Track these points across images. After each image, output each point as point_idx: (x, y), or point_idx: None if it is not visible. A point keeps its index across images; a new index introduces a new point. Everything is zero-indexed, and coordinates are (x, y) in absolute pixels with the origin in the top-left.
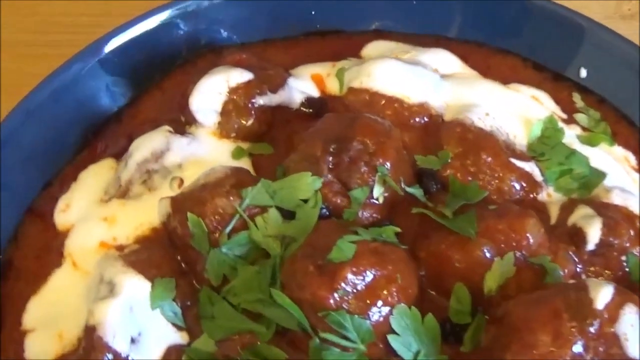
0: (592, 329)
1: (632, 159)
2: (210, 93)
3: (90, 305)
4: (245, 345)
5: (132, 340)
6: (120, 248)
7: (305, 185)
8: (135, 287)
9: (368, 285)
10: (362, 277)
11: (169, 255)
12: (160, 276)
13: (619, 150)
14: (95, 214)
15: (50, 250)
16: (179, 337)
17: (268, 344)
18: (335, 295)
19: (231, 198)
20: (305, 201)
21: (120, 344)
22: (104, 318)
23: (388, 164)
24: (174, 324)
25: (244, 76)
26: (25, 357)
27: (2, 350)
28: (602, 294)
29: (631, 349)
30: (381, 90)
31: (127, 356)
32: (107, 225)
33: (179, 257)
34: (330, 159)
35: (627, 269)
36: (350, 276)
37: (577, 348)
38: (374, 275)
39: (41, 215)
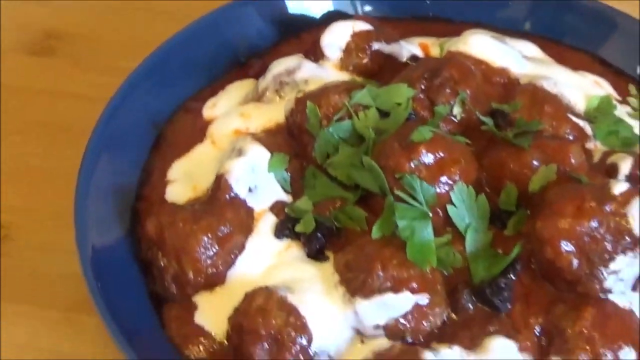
0: (607, 208)
1: None
2: (339, 33)
3: (221, 163)
4: (336, 207)
5: (250, 190)
6: (251, 135)
7: (401, 92)
8: (258, 153)
9: (437, 162)
10: (433, 155)
11: (287, 142)
12: (278, 152)
13: None
14: (235, 111)
15: (195, 132)
16: (285, 197)
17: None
18: (411, 164)
19: (342, 96)
20: (399, 105)
21: (240, 189)
22: (231, 168)
23: (468, 91)
24: (283, 188)
25: (367, 26)
26: (166, 197)
27: (148, 190)
28: (619, 185)
29: (636, 228)
30: (473, 54)
31: (244, 200)
32: (243, 119)
33: (294, 145)
34: (424, 81)
35: None
36: (424, 151)
37: (594, 221)
38: (443, 155)
39: (192, 110)
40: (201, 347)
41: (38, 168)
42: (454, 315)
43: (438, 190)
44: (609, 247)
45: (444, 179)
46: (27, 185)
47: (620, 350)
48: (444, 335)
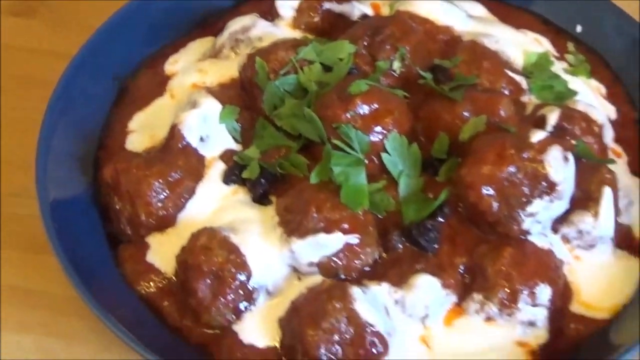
0: (524, 155)
1: (603, 90)
2: None
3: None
4: (281, 155)
5: (201, 139)
6: (206, 89)
7: (344, 48)
8: (211, 105)
9: (372, 113)
10: (368, 107)
11: (239, 95)
12: (230, 104)
13: (593, 82)
14: (193, 67)
15: (156, 86)
16: (235, 146)
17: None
18: (347, 114)
19: (289, 52)
20: (342, 60)
21: (192, 138)
22: (185, 119)
23: (407, 48)
24: (234, 138)
25: None
26: (126, 146)
27: (110, 139)
28: (538, 134)
29: (552, 174)
30: (419, 13)
31: (196, 148)
32: (201, 74)
33: (246, 98)
34: (367, 38)
35: None
36: (360, 103)
37: (512, 167)
38: (378, 107)
39: (154, 66)
40: (151, 283)
41: (16, 120)
42: (385, 255)
43: (372, 138)
44: (526, 191)
45: (378, 128)
46: (5, 136)
47: (536, 287)
48: (376, 273)
